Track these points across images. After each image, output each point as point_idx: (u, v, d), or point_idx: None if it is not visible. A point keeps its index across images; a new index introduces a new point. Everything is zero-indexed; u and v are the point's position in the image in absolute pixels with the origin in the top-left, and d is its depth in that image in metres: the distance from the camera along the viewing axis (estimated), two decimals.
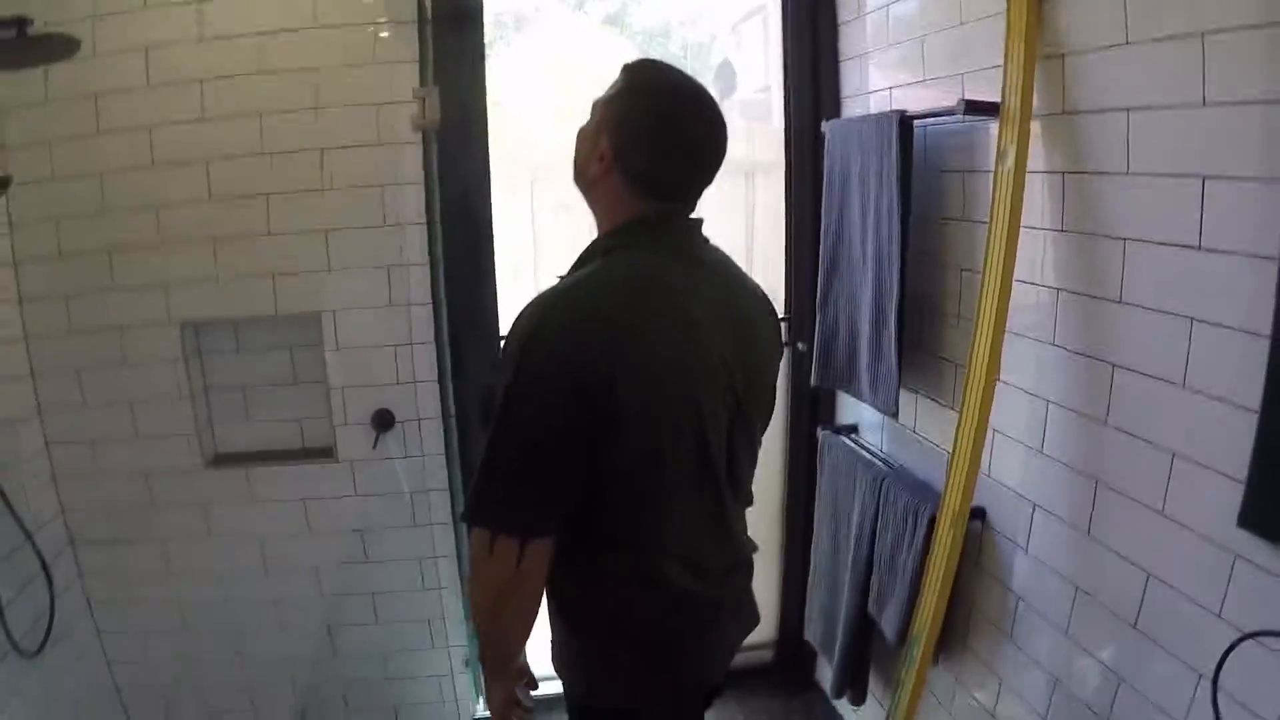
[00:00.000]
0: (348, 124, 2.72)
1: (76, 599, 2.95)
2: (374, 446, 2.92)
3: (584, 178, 1.56)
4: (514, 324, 1.42)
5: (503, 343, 1.47)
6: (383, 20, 2.67)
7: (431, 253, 2.81)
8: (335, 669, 3.13)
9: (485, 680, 1.75)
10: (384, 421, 2.92)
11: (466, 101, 2.74)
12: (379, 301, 2.85)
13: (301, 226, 2.79)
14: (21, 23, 2.17)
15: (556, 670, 1.69)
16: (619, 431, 1.39)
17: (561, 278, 1.52)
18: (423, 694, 3.19)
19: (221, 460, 2.98)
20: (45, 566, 2.62)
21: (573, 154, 1.58)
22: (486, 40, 2.79)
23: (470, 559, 1.54)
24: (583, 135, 1.56)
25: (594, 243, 1.56)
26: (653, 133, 1.49)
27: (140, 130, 2.69)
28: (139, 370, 2.85)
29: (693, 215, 1.59)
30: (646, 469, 1.46)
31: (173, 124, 2.69)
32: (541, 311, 1.40)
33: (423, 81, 2.64)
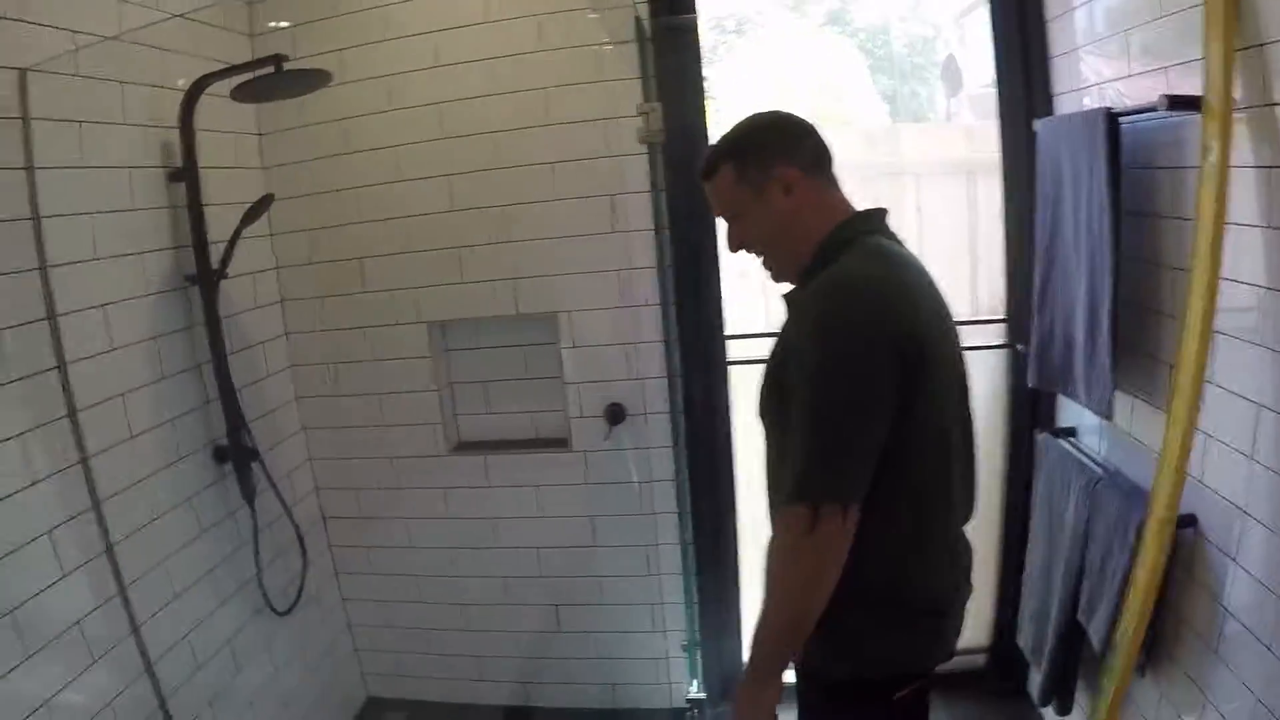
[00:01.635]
0: (576, 139, 2.92)
1: (325, 568, 3.35)
2: (606, 438, 3.10)
3: (785, 233, 1.69)
4: (796, 322, 1.59)
5: (781, 342, 1.65)
6: (605, 41, 2.85)
7: (659, 257, 2.95)
8: (558, 644, 3.34)
9: (756, 681, 1.66)
10: (616, 415, 3.09)
11: (688, 113, 2.86)
12: (611, 302, 3.04)
13: (537, 233, 3.01)
14: (279, 60, 2.46)
15: (810, 657, 1.69)
16: (925, 394, 1.53)
17: (788, 295, 1.70)
18: (640, 674, 3.34)
19: (463, 447, 3.27)
20: (300, 537, 2.97)
21: (755, 239, 1.73)
22: (709, 45, 2.90)
23: (781, 545, 1.58)
24: (747, 225, 1.71)
25: (824, 248, 1.66)
26: (771, 127, 1.71)
27: (386, 149, 3.02)
28: (389, 365, 3.19)
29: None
30: (938, 435, 1.60)
31: (416, 144, 2.99)
32: (828, 298, 1.54)
33: (646, 97, 2.79)
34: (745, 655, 1.76)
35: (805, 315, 1.57)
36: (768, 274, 1.78)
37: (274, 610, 2.87)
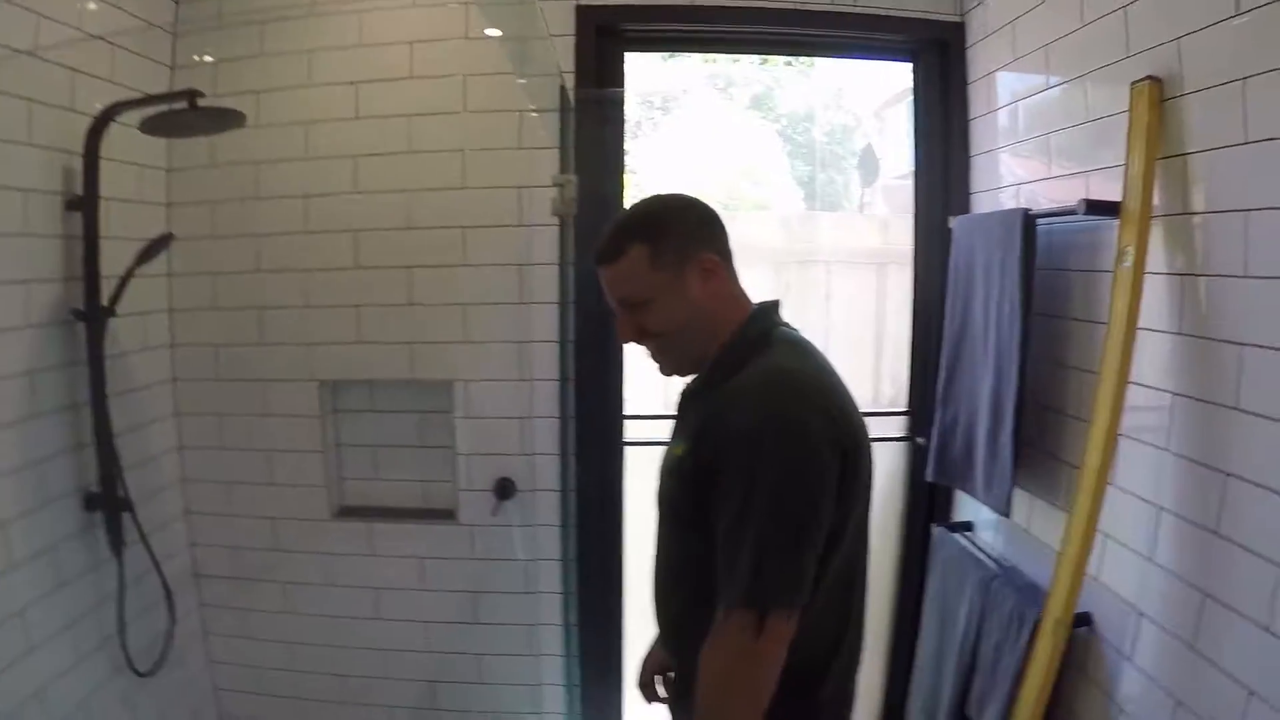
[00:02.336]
0: (491, 205, 2.88)
1: (194, 628, 3.13)
2: (494, 513, 3.01)
3: (695, 322, 1.60)
4: (733, 416, 1.46)
5: (710, 436, 1.49)
6: (528, 108, 2.83)
7: (562, 331, 2.90)
8: None
9: None
10: (506, 490, 3.00)
11: (606, 186, 2.86)
12: (509, 374, 2.97)
13: (441, 299, 2.95)
14: (193, 95, 2.37)
15: None
16: (853, 487, 1.49)
17: (705, 387, 1.61)
18: None
19: (347, 512, 3.13)
20: (169, 594, 2.77)
21: (655, 330, 1.60)
22: (633, 120, 2.91)
23: (723, 653, 1.44)
24: (650, 315, 1.59)
25: (739, 341, 1.60)
26: (688, 209, 1.65)
27: (296, 199, 2.93)
28: (277, 421, 3.05)
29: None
30: (860, 524, 1.57)
31: (327, 195, 2.92)
32: (774, 398, 1.45)
33: (563, 169, 2.76)
34: None
35: (746, 412, 1.45)
36: (655, 366, 1.68)
37: (135, 671, 2.66)
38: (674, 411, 1.73)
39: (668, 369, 1.67)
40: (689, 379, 1.67)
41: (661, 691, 1.94)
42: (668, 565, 1.66)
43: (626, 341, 1.63)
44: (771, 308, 1.67)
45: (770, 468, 1.40)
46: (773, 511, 1.40)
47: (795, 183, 3.35)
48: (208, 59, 2.89)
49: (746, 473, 1.41)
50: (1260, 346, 1.64)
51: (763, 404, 1.44)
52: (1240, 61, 1.67)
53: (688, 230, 1.60)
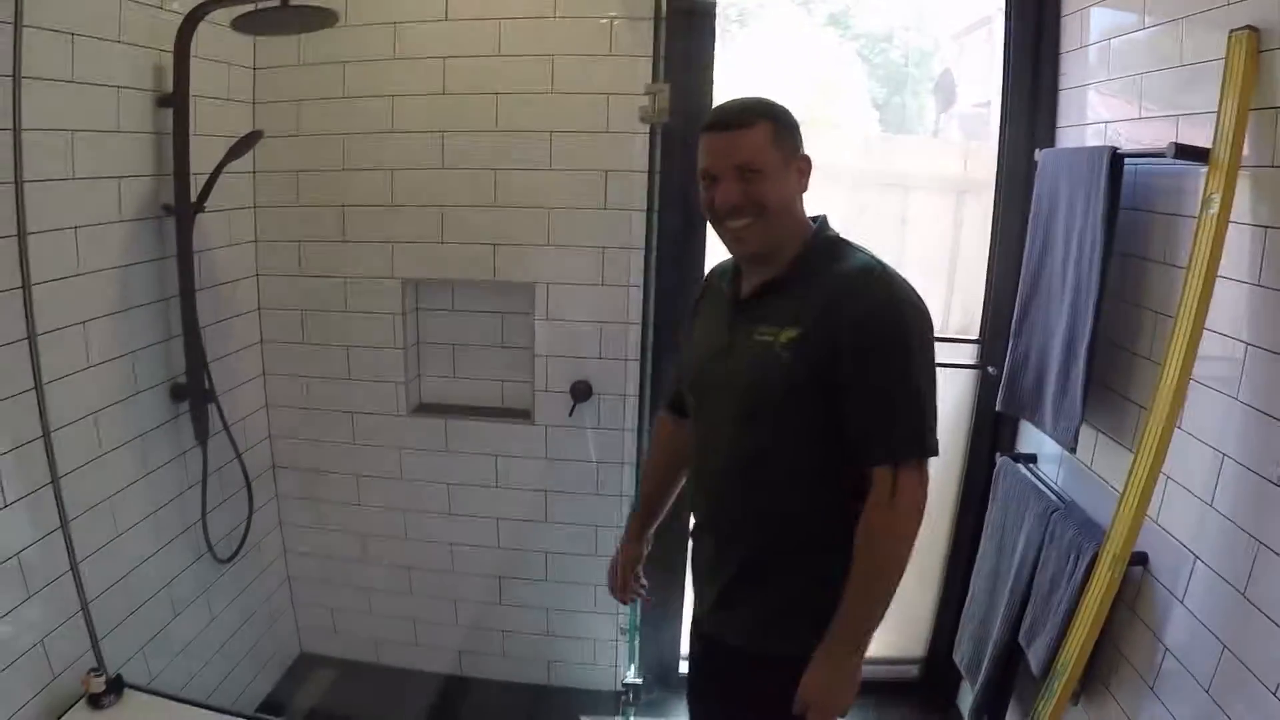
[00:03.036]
0: (578, 111, 2.88)
1: (270, 517, 3.29)
2: (570, 414, 3.08)
3: (788, 209, 1.76)
4: (866, 296, 1.66)
5: (839, 314, 1.66)
6: (621, 14, 2.80)
7: (647, 238, 2.90)
8: (499, 616, 3.33)
9: (858, 651, 1.75)
10: (582, 393, 3.07)
11: (694, 98, 2.83)
12: (591, 279, 3.01)
13: (526, 201, 2.97)
14: None
15: (767, 636, 1.81)
16: None
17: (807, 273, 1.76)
18: (579, 654, 3.35)
19: (424, 409, 3.23)
20: (249, 484, 2.91)
21: (763, 201, 1.70)
22: (715, 19, 2.88)
23: (910, 505, 1.67)
24: (765, 185, 1.70)
25: (818, 239, 1.80)
26: (793, 116, 1.79)
27: (382, 98, 2.94)
28: (358, 318, 3.13)
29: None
30: None
31: (414, 96, 2.93)
32: (894, 283, 1.69)
33: (655, 78, 2.74)
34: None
35: (880, 293, 1.67)
36: (736, 242, 1.77)
37: (215, 557, 2.82)
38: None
39: (753, 245, 1.75)
40: (737, 279, 1.85)
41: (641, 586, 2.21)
42: (755, 452, 1.77)
43: (729, 202, 1.71)
44: (827, 220, 1.84)
45: (915, 336, 1.65)
46: (926, 374, 1.67)
47: (871, 104, 3.31)
48: None
49: (899, 342, 1.64)
50: None
51: (891, 287, 1.67)
52: None
53: (797, 130, 1.76)
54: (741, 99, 1.77)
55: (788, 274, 1.75)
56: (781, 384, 1.70)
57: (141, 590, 2.59)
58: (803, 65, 3.26)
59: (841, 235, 1.82)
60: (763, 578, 1.81)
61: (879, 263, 1.72)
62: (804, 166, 1.77)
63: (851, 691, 1.74)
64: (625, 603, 2.25)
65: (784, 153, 1.72)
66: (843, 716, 1.78)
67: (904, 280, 1.70)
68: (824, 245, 1.77)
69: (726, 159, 1.70)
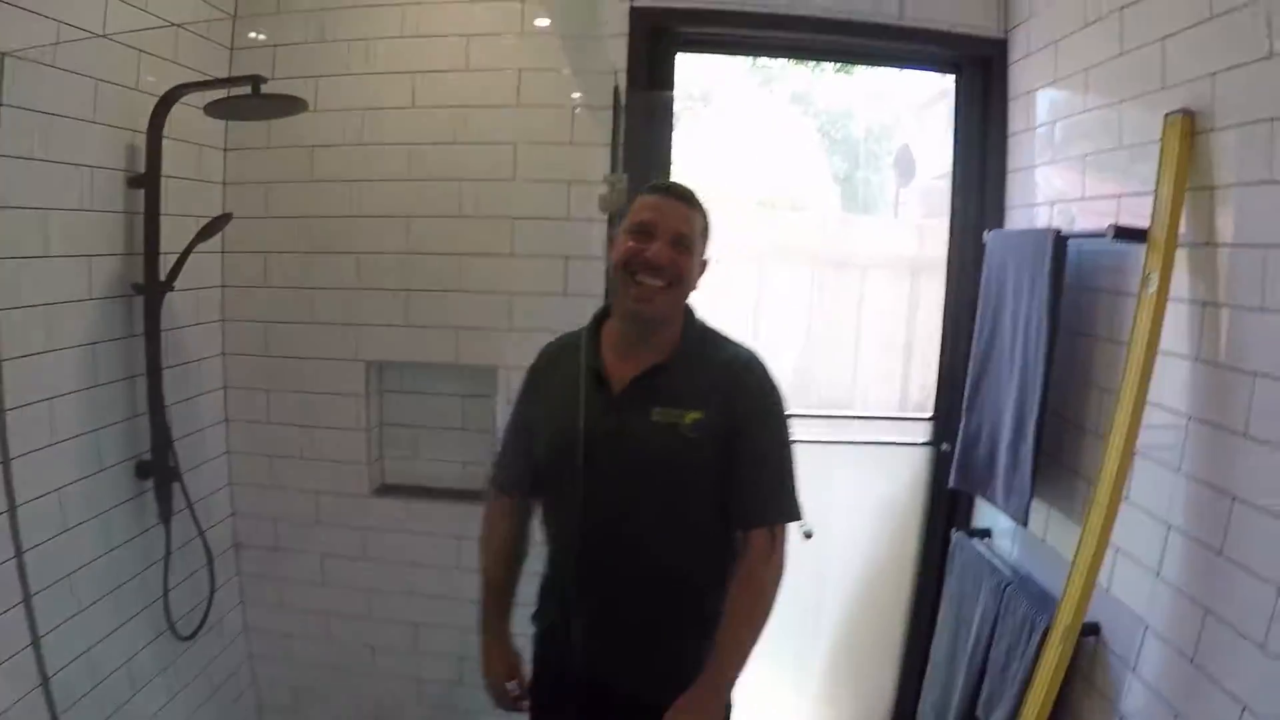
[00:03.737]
0: (540, 198, 2.95)
1: (233, 595, 3.24)
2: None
3: (689, 292, 1.93)
4: (757, 376, 1.90)
5: (739, 395, 1.87)
6: (582, 104, 2.90)
7: None
8: (463, 696, 3.25)
9: (728, 686, 1.84)
10: None
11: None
12: None
13: (489, 287, 3.02)
14: (257, 80, 2.44)
15: (664, 689, 1.79)
16: None
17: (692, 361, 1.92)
18: None
19: (387, 490, 3.23)
20: (211, 561, 2.88)
21: (683, 274, 1.87)
22: (674, 112, 2.98)
23: (778, 562, 1.85)
24: (691, 261, 1.88)
25: (697, 322, 1.98)
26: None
27: (349, 183, 3.01)
28: (322, 398, 3.14)
29: None
30: None
31: (379, 181, 3.00)
32: (764, 366, 1.91)
33: (613, 167, 2.82)
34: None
35: (762, 377, 1.90)
36: (642, 302, 1.84)
37: (177, 635, 2.78)
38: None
39: (657, 309, 1.86)
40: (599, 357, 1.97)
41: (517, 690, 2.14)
42: (667, 518, 1.87)
43: (661, 261, 1.82)
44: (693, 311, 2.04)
45: (784, 415, 1.90)
46: (790, 448, 1.89)
47: (832, 179, 3.38)
48: (262, 37, 2.98)
49: (778, 419, 1.89)
50: (1272, 377, 1.70)
51: (769, 374, 1.90)
52: (1272, 101, 1.72)
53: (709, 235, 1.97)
54: (682, 185, 1.96)
55: (673, 358, 1.90)
56: (692, 461, 1.84)
57: (102, 666, 2.54)
58: (765, 143, 3.35)
59: (708, 323, 2.00)
60: (666, 633, 1.90)
61: (752, 351, 1.93)
62: (705, 265, 1.94)
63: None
64: (509, 707, 2.14)
65: (703, 245, 1.92)
66: None
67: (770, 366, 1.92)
68: (701, 333, 1.96)
69: (670, 222, 1.84)
